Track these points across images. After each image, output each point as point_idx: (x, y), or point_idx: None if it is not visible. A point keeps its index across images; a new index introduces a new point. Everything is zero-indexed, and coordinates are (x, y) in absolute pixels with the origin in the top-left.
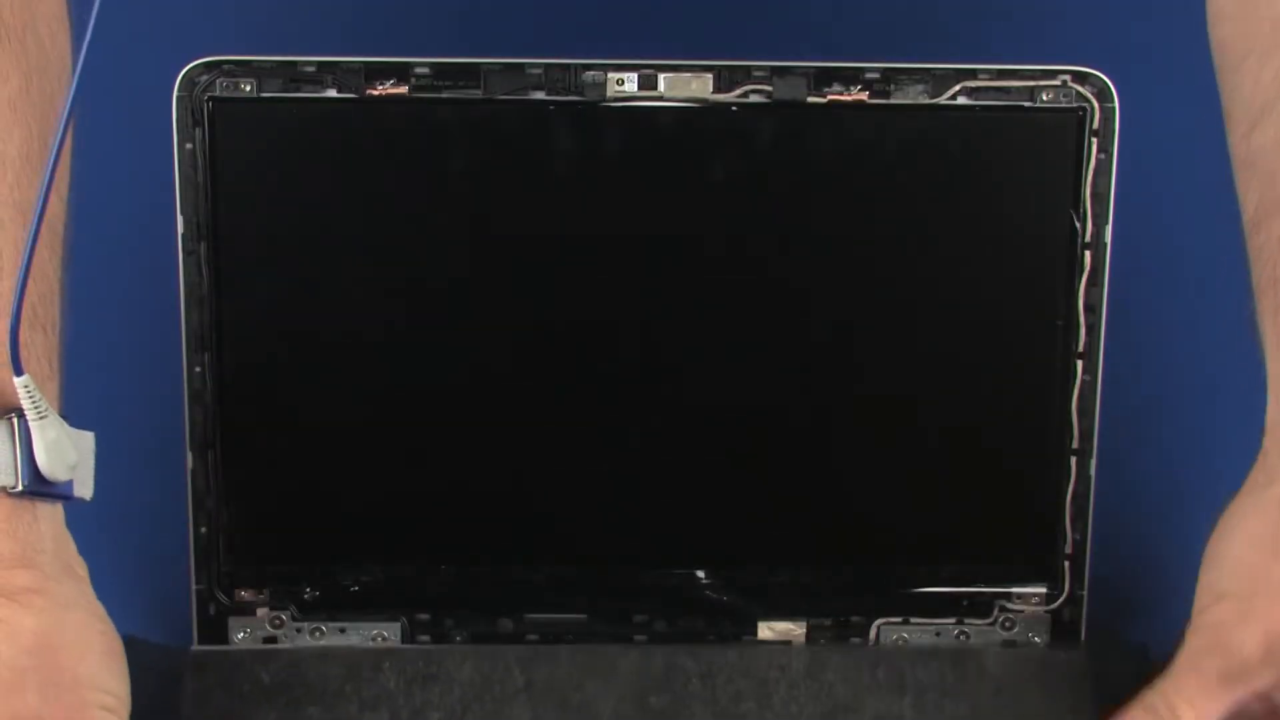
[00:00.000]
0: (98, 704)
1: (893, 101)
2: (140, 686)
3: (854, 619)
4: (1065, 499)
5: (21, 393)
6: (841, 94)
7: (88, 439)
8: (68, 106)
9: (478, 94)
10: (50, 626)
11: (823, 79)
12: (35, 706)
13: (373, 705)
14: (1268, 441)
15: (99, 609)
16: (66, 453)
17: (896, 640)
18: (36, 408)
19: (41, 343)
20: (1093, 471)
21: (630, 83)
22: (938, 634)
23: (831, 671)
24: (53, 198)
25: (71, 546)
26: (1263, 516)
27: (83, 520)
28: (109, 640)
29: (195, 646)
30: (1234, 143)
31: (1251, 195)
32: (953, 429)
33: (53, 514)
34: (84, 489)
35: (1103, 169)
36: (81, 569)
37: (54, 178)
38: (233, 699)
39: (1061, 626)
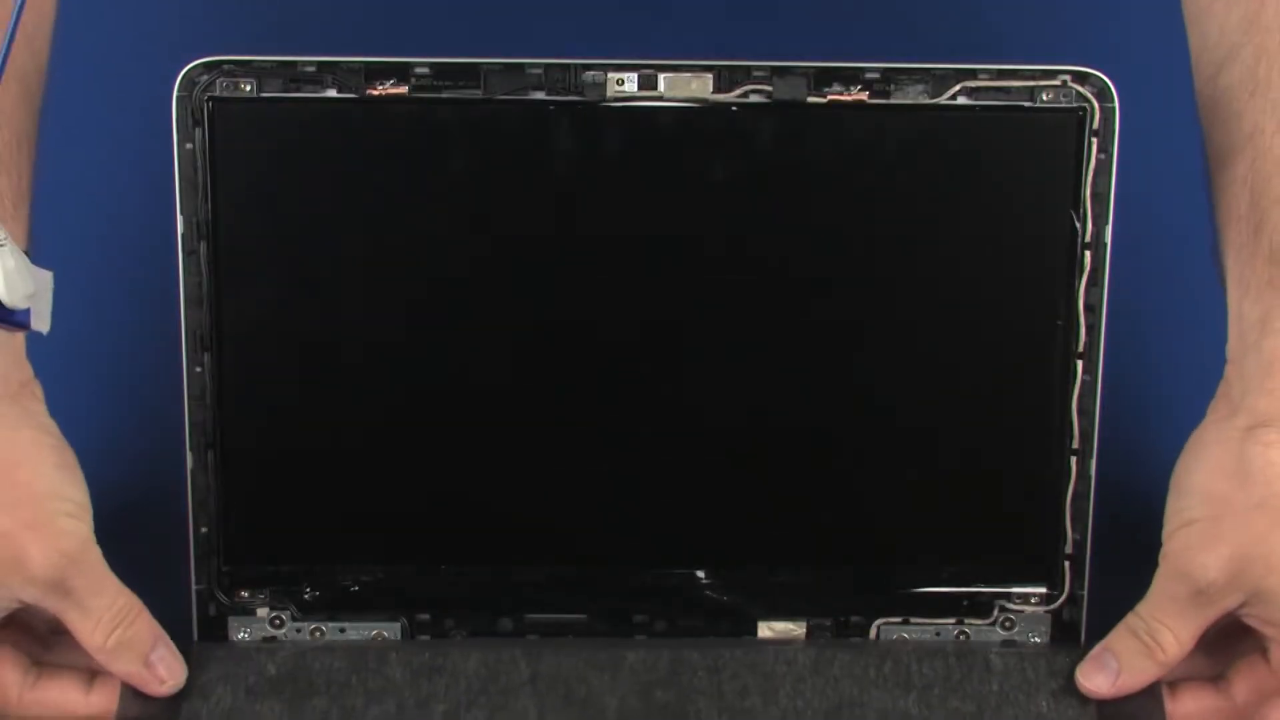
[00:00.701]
0: (61, 512)
1: (893, 101)
2: None
3: (854, 619)
4: (1065, 499)
5: None
6: (841, 94)
7: (47, 276)
8: None
9: (478, 94)
10: (3, 446)
11: (823, 79)
12: (1, 522)
13: (378, 697)
14: (1230, 370)
15: (50, 425)
16: (25, 282)
17: (896, 640)
18: None
19: (7, 186)
20: (1093, 471)
21: (630, 83)
22: (938, 634)
23: (837, 667)
24: (25, 57)
25: (27, 370)
26: (1226, 445)
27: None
28: (62, 454)
29: (198, 640)
30: (1200, 85)
31: (1217, 135)
32: (953, 428)
33: (8, 341)
34: (41, 322)
35: (1103, 169)
36: (37, 390)
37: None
38: (237, 691)
39: (1061, 626)
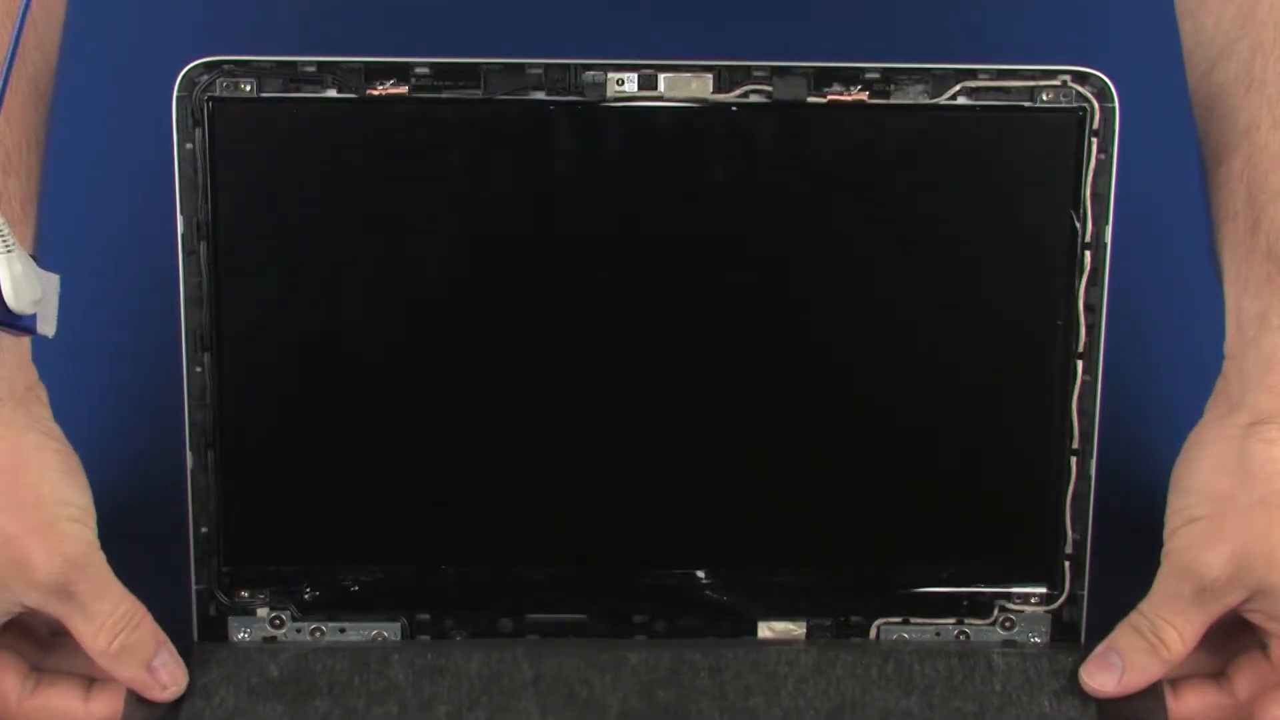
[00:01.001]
0: (65, 517)
1: (893, 101)
2: None
3: (854, 619)
4: (1065, 499)
5: None
6: (841, 94)
7: (53, 280)
8: None
9: (478, 94)
10: (7, 450)
11: (823, 79)
12: (4, 525)
13: (381, 698)
14: (1229, 367)
15: (55, 430)
16: (32, 287)
17: (896, 640)
18: (4, 241)
19: (16, 187)
20: (1093, 471)
21: (630, 83)
22: (937, 634)
23: (840, 667)
24: (36, 58)
25: (32, 374)
26: (1226, 443)
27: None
28: (66, 459)
29: (198, 641)
30: (1194, 82)
31: (1212, 131)
32: (953, 428)
33: (15, 345)
34: (47, 326)
35: (1103, 169)
36: (42, 394)
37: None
38: (240, 692)
39: (1061, 626)
